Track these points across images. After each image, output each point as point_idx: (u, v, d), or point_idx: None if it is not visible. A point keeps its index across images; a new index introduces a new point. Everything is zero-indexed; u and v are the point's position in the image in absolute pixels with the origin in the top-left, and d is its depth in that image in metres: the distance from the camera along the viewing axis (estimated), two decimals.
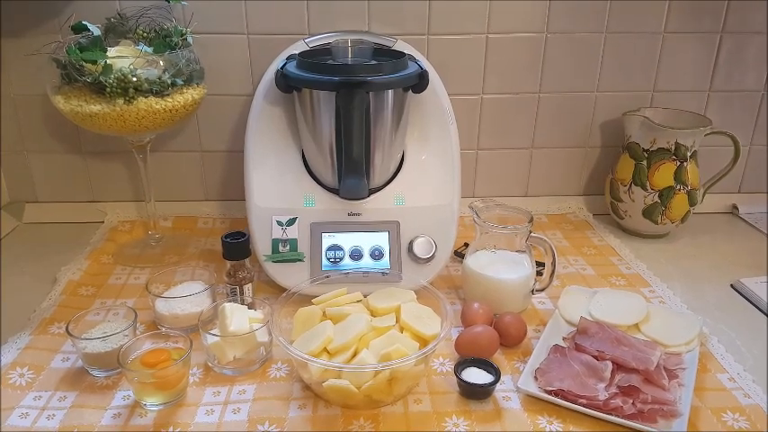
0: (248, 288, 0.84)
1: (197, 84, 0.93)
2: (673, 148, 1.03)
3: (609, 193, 1.12)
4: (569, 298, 0.86)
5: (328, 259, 0.87)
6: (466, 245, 1.01)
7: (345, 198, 0.89)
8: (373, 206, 0.89)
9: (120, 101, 0.84)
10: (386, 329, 0.71)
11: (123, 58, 0.85)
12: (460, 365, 0.71)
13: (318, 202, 0.89)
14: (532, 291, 0.85)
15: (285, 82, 0.85)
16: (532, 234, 0.84)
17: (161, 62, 0.87)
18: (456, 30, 1.06)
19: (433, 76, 0.91)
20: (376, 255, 0.87)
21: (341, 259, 0.87)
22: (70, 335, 0.72)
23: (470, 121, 1.13)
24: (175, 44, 0.90)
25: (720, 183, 1.09)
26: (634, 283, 0.94)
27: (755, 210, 1.19)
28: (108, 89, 0.83)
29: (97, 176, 1.14)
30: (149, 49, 0.89)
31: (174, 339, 0.73)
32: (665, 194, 1.04)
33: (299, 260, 0.87)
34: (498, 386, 0.69)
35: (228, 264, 0.83)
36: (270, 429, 0.65)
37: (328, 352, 0.69)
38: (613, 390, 0.68)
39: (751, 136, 1.18)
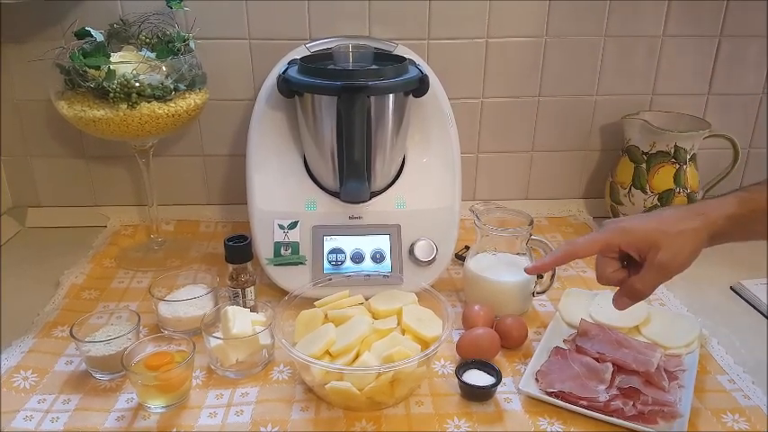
0: (250, 291, 0.84)
1: (199, 89, 0.94)
2: (672, 151, 1.03)
3: (609, 196, 1.13)
4: (570, 300, 0.86)
5: (330, 262, 0.87)
6: (467, 247, 1.01)
7: (347, 201, 0.89)
8: (374, 209, 0.90)
9: (124, 106, 0.85)
10: (388, 332, 0.72)
11: (126, 63, 0.86)
12: (462, 367, 0.71)
13: (320, 206, 0.90)
14: (533, 293, 0.86)
15: (287, 87, 0.86)
16: (533, 237, 0.84)
17: (164, 67, 0.88)
18: (456, 34, 1.07)
19: (434, 80, 0.91)
20: (377, 258, 0.87)
21: (342, 262, 0.87)
22: (74, 338, 0.72)
23: (471, 124, 1.14)
24: (178, 49, 0.91)
25: (719, 185, 1.09)
26: None
27: None
28: (111, 94, 0.83)
29: (100, 181, 1.15)
30: (152, 55, 0.89)
31: (177, 342, 0.74)
32: (665, 197, 1.05)
33: (301, 263, 0.87)
34: (499, 388, 0.70)
35: (231, 267, 0.83)
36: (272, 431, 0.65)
37: (330, 354, 0.69)
38: (614, 391, 0.68)
39: (750, 139, 1.18)
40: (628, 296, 0.67)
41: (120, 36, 0.95)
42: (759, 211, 0.64)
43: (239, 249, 0.83)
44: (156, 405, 0.68)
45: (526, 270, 0.74)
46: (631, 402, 0.66)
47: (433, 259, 0.88)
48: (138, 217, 1.15)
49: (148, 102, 0.86)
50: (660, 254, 0.63)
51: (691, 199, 1.05)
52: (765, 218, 0.64)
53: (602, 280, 0.68)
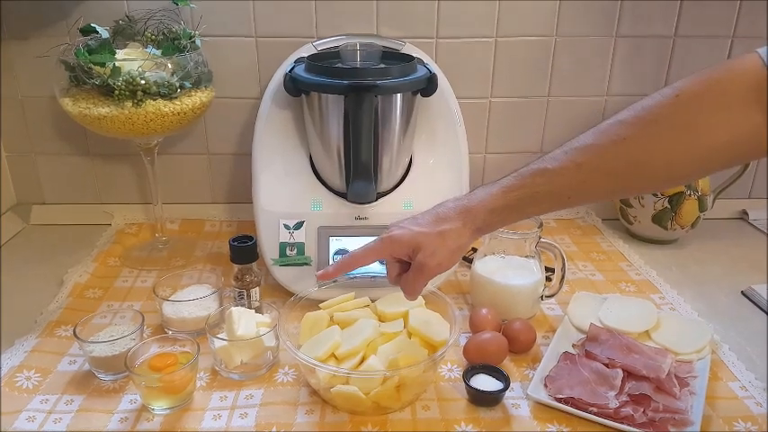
0: (255, 292, 0.83)
1: (205, 86, 0.93)
2: None
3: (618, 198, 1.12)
4: (579, 304, 0.85)
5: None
6: (474, 250, 1.00)
7: (353, 202, 0.88)
8: (381, 210, 0.89)
9: (129, 103, 0.84)
10: (394, 335, 0.71)
11: (132, 60, 0.85)
12: (469, 372, 0.70)
13: (326, 206, 0.89)
14: (541, 297, 0.85)
15: (293, 85, 0.85)
16: (542, 239, 0.83)
17: (169, 65, 0.87)
18: (465, 33, 1.05)
19: (442, 79, 0.90)
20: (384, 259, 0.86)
21: None
22: (77, 338, 0.71)
23: (479, 124, 1.12)
24: (184, 47, 0.90)
25: (730, 188, 1.08)
26: (644, 289, 0.93)
27: (765, 215, 1.17)
28: (116, 92, 0.83)
29: (104, 179, 1.14)
30: (158, 52, 0.89)
31: (181, 343, 0.73)
32: (676, 200, 1.03)
33: (307, 264, 0.87)
34: (507, 393, 0.68)
35: (236, 267, 0.83)
36: None
37: (336, 357, 0.68)
38: (624, 398, 0.67)
39: None
40: (404, 293, 0.69)
41: (125, 33, 0.95)
42: (525, 197, 0.65)
43: (244, 250, 0.82)
44: (160, 407, 0.67)
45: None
46: (642, 409, 0.65)
47: None
48: (143, 215, 1.14)
49: (154, 99, 0.85)
50: (419, 255, 0.66)
51: (701, 202, 1.04)
52: (533, 200, 0.65)
53: (390, 281, 0.71)
